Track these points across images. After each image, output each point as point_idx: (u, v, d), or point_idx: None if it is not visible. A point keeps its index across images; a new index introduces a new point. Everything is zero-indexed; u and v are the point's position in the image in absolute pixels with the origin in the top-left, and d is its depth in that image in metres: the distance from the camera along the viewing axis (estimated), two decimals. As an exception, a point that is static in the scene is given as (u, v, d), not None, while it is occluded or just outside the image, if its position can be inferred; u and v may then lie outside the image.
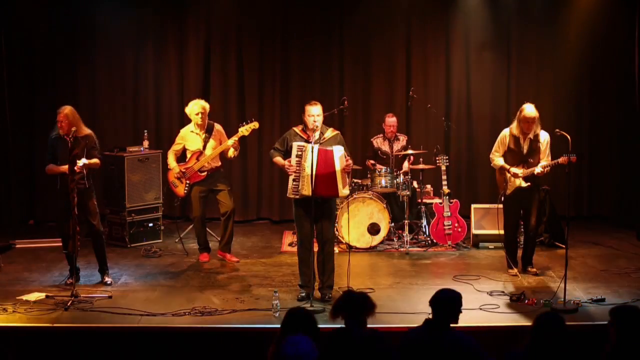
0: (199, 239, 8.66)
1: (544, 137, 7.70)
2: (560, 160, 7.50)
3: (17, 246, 9.11)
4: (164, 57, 10.52)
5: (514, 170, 7.69)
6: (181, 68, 10.54)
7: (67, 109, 7.50)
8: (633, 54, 9.67)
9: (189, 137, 8.55)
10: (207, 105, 8.51)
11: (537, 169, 7.60)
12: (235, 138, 8.31)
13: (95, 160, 7.55)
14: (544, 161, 7.65)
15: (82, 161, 7.34)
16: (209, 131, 8.51)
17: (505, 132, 7.80)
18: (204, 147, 8.47)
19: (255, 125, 8.36)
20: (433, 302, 4.77)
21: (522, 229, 8.13)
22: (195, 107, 8.42)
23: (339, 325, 4.63)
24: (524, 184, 7.67)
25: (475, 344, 4.69)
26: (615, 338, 4.43)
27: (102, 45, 10.37)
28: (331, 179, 6.98)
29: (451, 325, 4.74)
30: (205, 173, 8.47)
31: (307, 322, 4.40)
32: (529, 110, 7.60)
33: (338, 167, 7.00)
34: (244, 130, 8.32)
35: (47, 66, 10.33)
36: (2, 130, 10.03)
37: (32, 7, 10.18)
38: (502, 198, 7.92)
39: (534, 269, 7.94)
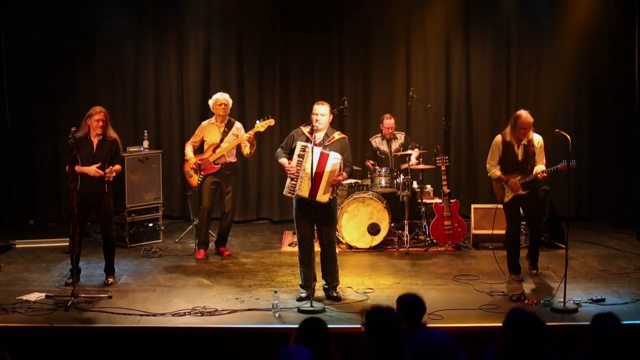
0: (200, 232, 8.70)
1: (537, 139, 7.61)
2: (560, 166, 7.41)
3: (17, 246, 9.11)
4: (164, 57, 10.53)
5: (512, 184, 7.57)
6: (181, 67, 10.54)
7: (103, 110, 7.58)
8: (633, 54, 9.66)
9: (209, 129, 8.68)
10: (230, 100, 8.68)
11: (542, 174, 7.48)
12: (250, 133, 8.44)
13: (117, 167, 7.63)
14: (541, 165, 7.57)
15: (112, 174, 7.46)
16: (228, 126, 8.64)
17: (498, 139, 7.69)
18: (221, 140, 8.56)
19: (271, 122, 8.50)
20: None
21: (523, 231, 8.09)
22: (219, 99, 8.59)
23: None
24: (522, 191, 7.62)
25: (450, 340, 4.67)
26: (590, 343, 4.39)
27: (102, 44, 10.37)
28: (317, 181, 6.95)
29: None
30: (219, 166, 8.55)
31: (320, 332, 4.23)
32: (526, 116, 7.49)
33: (328, 170, 6.96)
34: (260, 126, 8.45)
35: (47, 66, 10.32)
36: (2, 131, 10.03)
37: (32, 7, 10.19)
38: (502, 205, 7.82)
39: (537, 271, 7.90)
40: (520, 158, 7.61)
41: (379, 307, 4.24)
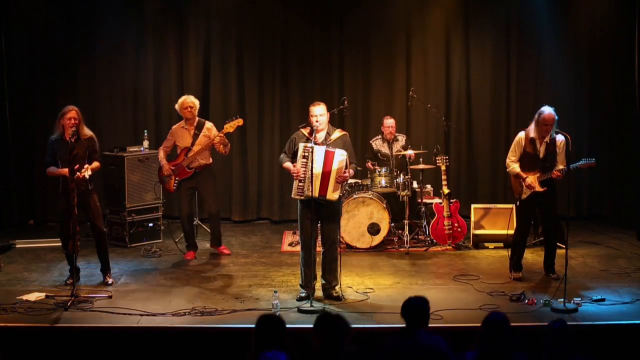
0: (187, 237, 8.72)
1: (561, 140, 7.53)
2: (580, 165, 7.41)
3: (17, 246, 9.12)
4: (164, 57, 10.53)
5: (529, 181, 7.51)
6: (181, 68, 10.54)
7: (75, 108, 7.49)
8: (633, 53, 9.66)
9: (179, 133, 8.62)
10: (196, 101, 8.60)
11: (556, 173, 7.46)
12: (220, 134, 8.39)
13: (96, 164, 7.55)
14: (561, 165, 7.53)
15: (87, 172, 7.29)
16: (198, 128, 8.57)
17: (521, 135, 7.62)
18: (192, 143, 8.51)
19: (239, 122, 8.46)
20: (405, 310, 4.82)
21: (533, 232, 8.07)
22: (185, 102, 8.51)
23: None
24: (540, 189, 7.59)
25: (444, 343, 4.73)
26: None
27: (102, 45, 10.38)
28: (325, 179, 6.98)
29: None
30: (193, 169, 8.51)
31: (278, 329, 4.38)
32: (549, 112, 7.42)
33: (335, 168, 6.99)
34: (228, 127, 8.41)
35: (47, 66, 10.33)
36: (2, 130, 10.03)
37: (32, 7, 10.19)
38: (518, 203, 7.76)
39: (556, 275, 7.73)
40: (541, 156, 7.55)
41: (328, 313, 4.57)
